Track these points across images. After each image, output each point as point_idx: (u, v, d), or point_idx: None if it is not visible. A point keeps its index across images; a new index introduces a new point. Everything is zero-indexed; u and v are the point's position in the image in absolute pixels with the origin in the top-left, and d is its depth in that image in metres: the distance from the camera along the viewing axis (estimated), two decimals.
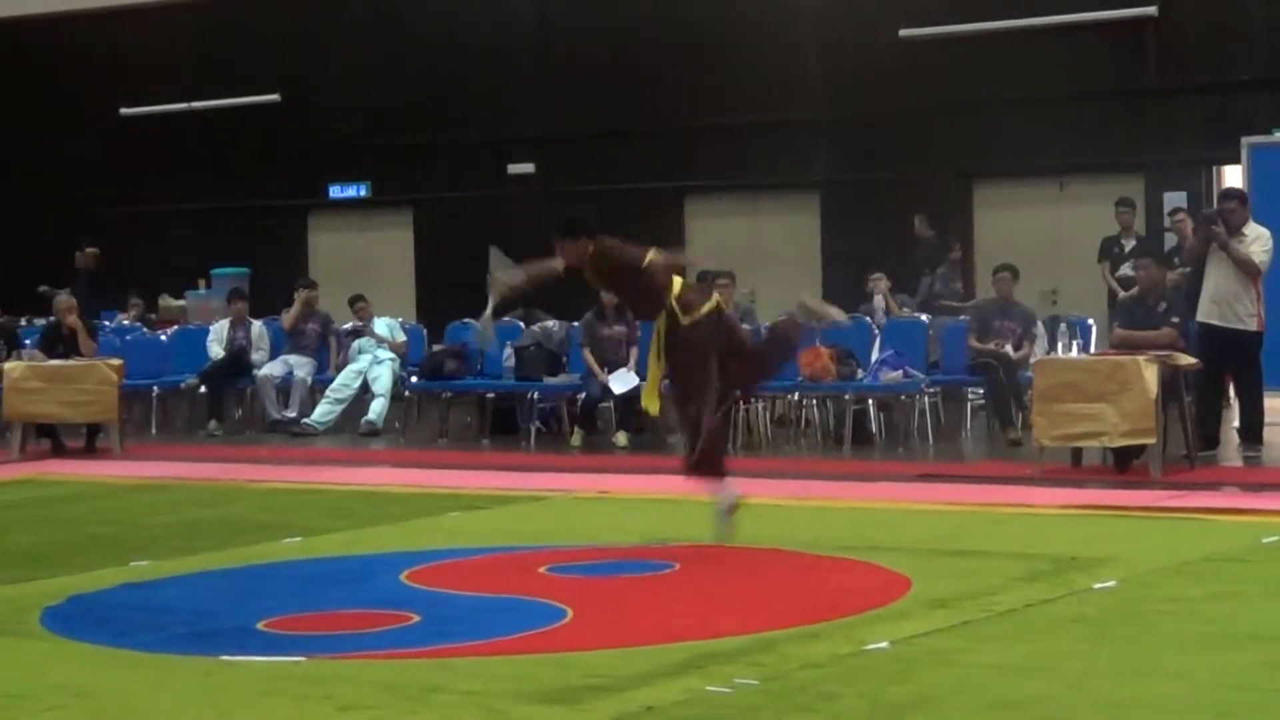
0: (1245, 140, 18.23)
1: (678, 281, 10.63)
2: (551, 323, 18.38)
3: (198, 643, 8.07)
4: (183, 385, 19.91)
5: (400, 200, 26.00)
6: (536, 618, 8.46)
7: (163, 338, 21.42)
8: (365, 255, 26.15)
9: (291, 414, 19.19)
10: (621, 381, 16.82)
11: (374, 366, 19.06)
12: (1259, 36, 20.59)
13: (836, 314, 11.48)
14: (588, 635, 8.12)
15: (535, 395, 17.68)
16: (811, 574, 9.76)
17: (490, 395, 18.26)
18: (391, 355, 19.22)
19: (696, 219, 23.87)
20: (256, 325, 20.11)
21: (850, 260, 21.08)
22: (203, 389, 19.69)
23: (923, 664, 7.26)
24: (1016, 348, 16.26)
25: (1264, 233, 14.58)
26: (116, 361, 17.88)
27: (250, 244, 25.97)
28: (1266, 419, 14.76)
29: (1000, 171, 22.15)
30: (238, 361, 19.63)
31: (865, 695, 6.75)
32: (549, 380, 17.65)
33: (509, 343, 18.20)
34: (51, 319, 18.92)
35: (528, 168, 24.72)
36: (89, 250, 24.85)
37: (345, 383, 19.08)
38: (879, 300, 19.01)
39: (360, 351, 19.28)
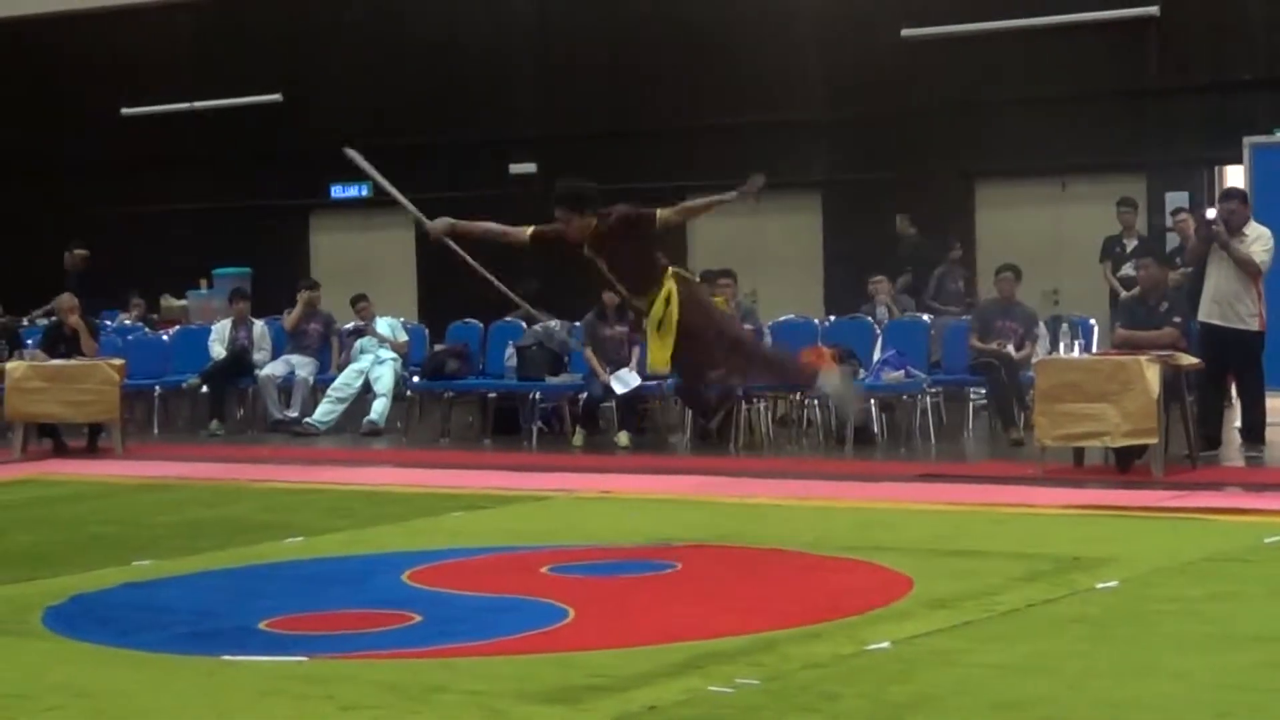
0: (1247, 140, 18.22)
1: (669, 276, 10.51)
2: (553, 323, 18.38)
3: (199, 642, 8.07)
4: (184, 385, 19.91)
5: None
6: (538, 618, 8.46)
7: (164, 338, 21.43)
8: (367, 255, 26.15)
9: (293, 414, 19.19)
10: (623, 381, 16.83)
11: (376, 366, 19.07)
12: (1260, 36, 20.58)
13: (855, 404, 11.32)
14: (589, 635, 8.12)
15: (537, 395, 17.68)
16: (813, 574, 9.76)
17: (492, 395, 18.27)
18: (393, 355, 19.22)
19: (699, 218, 23.84)
20: (258, 325, 20.12)
21: (852, 260, 21.07)
22: (204, 389, 19.69)
23: (924, 664, 7.26)
24: (1018, 348, 16.27)
25: (1265, 232, 14.57)
26: (118, 361, 17.88)
27: (252, 244, 25.97)
28: (1268, 419, 14.76)
29: (1002, 171, 22.15)
30: (239, 361, 19.63)
31: (867, 695, 6.75)
32: (551, 380, 17.65)
33: (511, 342, 18.21)
34: (53, 319, 18.92)
35: (529, 167, 24.71)
36: (78, 252, 24.88)
37: (347, 382, 19.08)
38: (881, 309, 18.94)
39: (362, 351, 19.28)
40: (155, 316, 24.08)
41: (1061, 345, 14.28)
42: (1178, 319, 14.32)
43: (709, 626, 8.12)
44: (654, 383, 17.03)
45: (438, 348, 19.20)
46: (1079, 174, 21.71)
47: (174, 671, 7.51)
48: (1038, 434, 13.81)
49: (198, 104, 26.98)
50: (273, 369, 19.47)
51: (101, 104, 27.59)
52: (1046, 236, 21.45)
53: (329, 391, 19.10)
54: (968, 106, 21.86)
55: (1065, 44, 21.41)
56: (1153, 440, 13.30)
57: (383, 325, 19.58)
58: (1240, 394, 15.14)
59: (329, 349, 19.83)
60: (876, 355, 16.76)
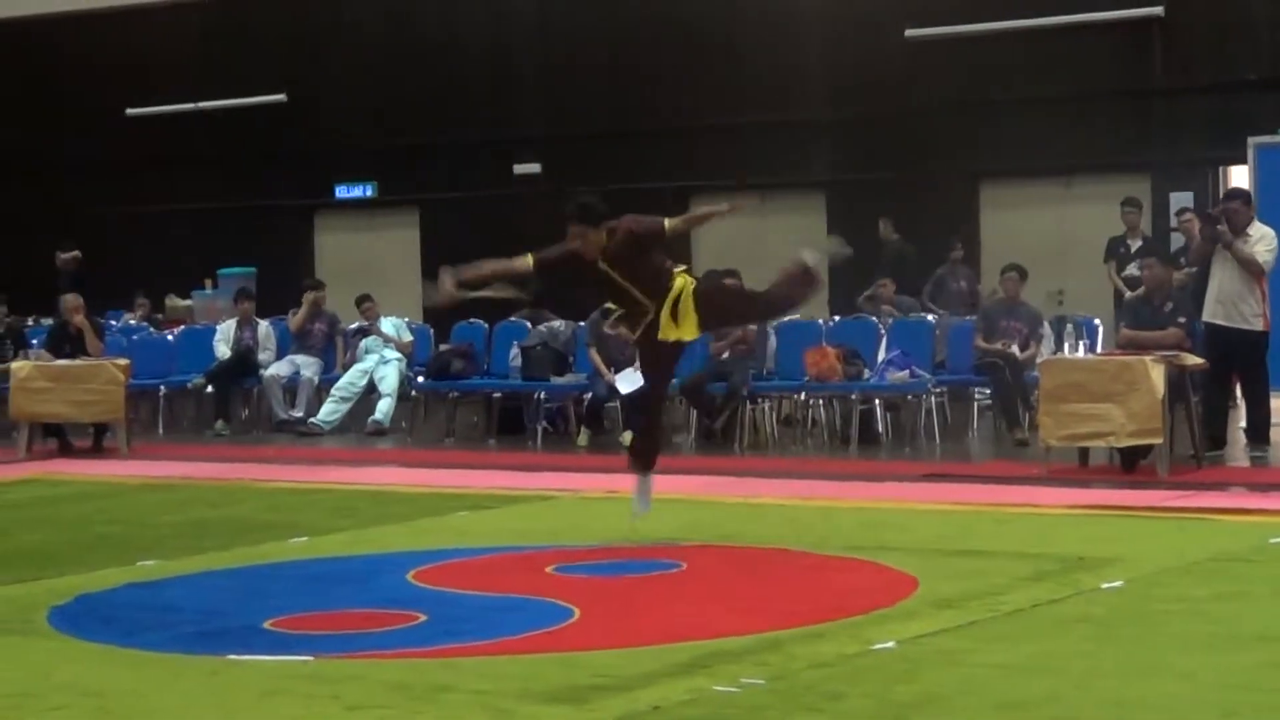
0: (1251, 140, 18.24)
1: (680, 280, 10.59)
2: (558, 322, 18.38)
3: (204, 642, 8.08)
4: (189, 385, 19.92)
5: (407, 200, 26.01)
6: (543, 617, 8.47)
7: (169, 337, 21.44)
8: (371, 255, 26.16)
9: (298, 414, 19.21)
10: (628, 381, 16.81)
11: (380, 366, 19.07)
12: (1265, 37, 20.57)
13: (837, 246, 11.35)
14: (594, 635, 8.13)
15: (542, 395, 17.68)
16: (818, 574, 9.76)
17: (497, 395, 18.27)
18: (398, 355, 19.23)
19: (699, 228, 23.84)
20: (263, 325, 20.13)
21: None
22: (209, 389, 19.69)
23: (929, 664, 7.26)
24: (1023, 348, 16.27)
25: (1269, 232, 14.56)
26: (123, 361, 17.90)
27: (257, 244, 25.98)
28: (1273, 419, 14.74)
29: (1006, 172, 22.13)
30: (244, 361, 19.64)
31: (872, 695, 6.75)
32: (555, 380, 17.65)
33: (516, 342, 18.21)
34: (59, 318, 18.94)
35: (534, 168, 24.72)
36: (72, 254, 24.92)
37: (351, 382, 19.09)
38: (885, 308, 18.94)
39: (367, 351, 19.29)
40: (160, 316, 24.09)
41: (1066, 345, 14.28)
42: (1182, 319, 14.30)
43: (714, 626, 8.12)
44: None
45: (442, 347, 19.20)
46: (1084, 174, 21.71)
47: (179, 671, 7.52)
48: (1042, 434, 13.81)
49: (203, 104, 27.00)
50: (278, 369, 19.47)
51: (107, 104, 27.60)
52: (1051, 237, 21.44)
53: (333, 391, 19.11)
54: (972, 107, 21.85)
55: (1070, 44, 21.40)
56: (1157, 440, 13.29)
57: (387, 325, 19.58)
58: (1245, 394, 15.12)
59: (334, 349, 19.84)
60: (881, 355, 16.75)
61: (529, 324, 18.60)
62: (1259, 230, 14.56)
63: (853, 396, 16.46)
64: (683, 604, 8.87)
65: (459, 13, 25.33)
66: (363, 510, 12.82)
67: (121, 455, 17.14)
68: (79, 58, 28.21)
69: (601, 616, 8.57)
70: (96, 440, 17.82)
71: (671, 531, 11.04)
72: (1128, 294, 16.63)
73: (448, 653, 7.73)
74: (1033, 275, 17.45)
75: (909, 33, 22.04)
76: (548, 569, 9.95)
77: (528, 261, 10.65)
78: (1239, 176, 19.52)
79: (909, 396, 16.64)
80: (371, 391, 19.02)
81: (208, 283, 25.33)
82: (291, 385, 19.46)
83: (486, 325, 19.07)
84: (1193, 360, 13.80)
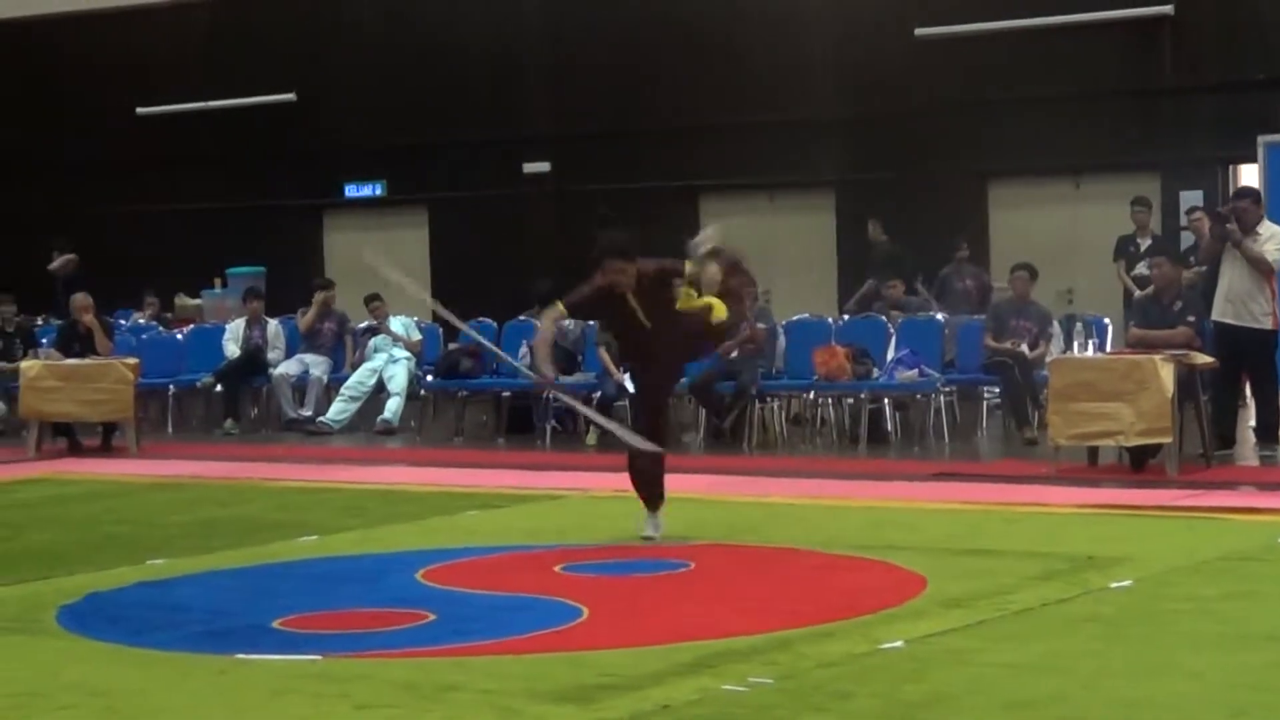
0: (1261, 139, 18.22)
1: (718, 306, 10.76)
2: (567, 321, 18.35)
3: (213, 641, 8.09)
4: (199, 384, 19.93)
5: (415, 199, 26.01)
6: (552, 617, 8.47)
7: (179, 337, 21.45)
8: (381, 254, 26.13)
9: (307, 413, 19.22)
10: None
11: (389, 365, 19.08)
12: (1273, 35, 20.53)
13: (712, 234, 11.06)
14: (603, 634, 8.13)
15: (550, 394, 17.66)
16: (826, 573, 9.76)
17: (506, 394, 18.28)
18: (407, 354, 19.24)
19: (711, 218, 23.78)
20: (272, 324, 20.14)
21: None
22: (218, 388, 19.72)
23: (938, 663, 7.26)
24: (1032, 347, 16.25)
25: (1278, 231, 14.55)
26: (132, 360, 17.92)
27: (265, 243, 25.98)
28: None
29: (1016, 171, 22.11)
30: (253, 360, 19.65)
31: (880, 694, 6.75)
32: (565, 379, 17.62)
33: (525, 341, 18.19)
34: (68, 318, 18.96)
35: (543, 167, 24.71)
36: (66, 257, 24.96)
37: (361, 381, 19.10)
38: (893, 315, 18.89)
39: (376, 350, 19.31)
40: (169, 315, 24.10)
41: (1076, 344, 14.26)
42: (1192, 318, 14.28)
43: (722, 625, 8.12)
44: None
45: (451, 346, 19.21)
46: (1093, 173, 21.68)
47: (188, 670, 7.52)
48: (1052, 433, 13.80)
49: (210, 104, 27.00)
50: (287, 368, 19.48)
51: (113, 104, 27.62)
52: (1060, 236, 21.42)
53: (343, 390, 19.12)
54: (980, 106, 21.83)
55: (1079, 43, 21.37)
56: (1167, 439, 13.27)
57: (396, 324, 19.59)
58: (1255, 393, 15.12)
59: (343, 348, 19.85)
60: (890, 354, 16.75)
61: (537, 323, 18.57)
62: (1268, 229, 14.55)
63: (862, 396, 16.46)
64: (691, 603, 8.87)
65: (466, 12, 25.32)
66: (372, 509, 12.83)
67: (130, 454, 17.15)
68: (84, 58, 28.22)
69: (610, 616, 8.58)
70: (105, 439, 17.84)
71: (680, 530, 11.04)
72: (1137, 293, 16.60)
73: (456, 652, 7.73)
74: (1042, 274, 17.43)
75: (917, 32, 22.03)
76: (556, 568, 9.95)
77: (560, 310, 10.70)
78: (1249, 175, 19.51)
79: (918, 395, 16.63)
80: (380, 390, 19.03)
81: (217, 282, 25.34)
82: (300, 384, 19.47)
83: (495, 324, 19.07)
84: (1202, 359, 13.79)
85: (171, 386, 20.00)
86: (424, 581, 9.65)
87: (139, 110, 27.47)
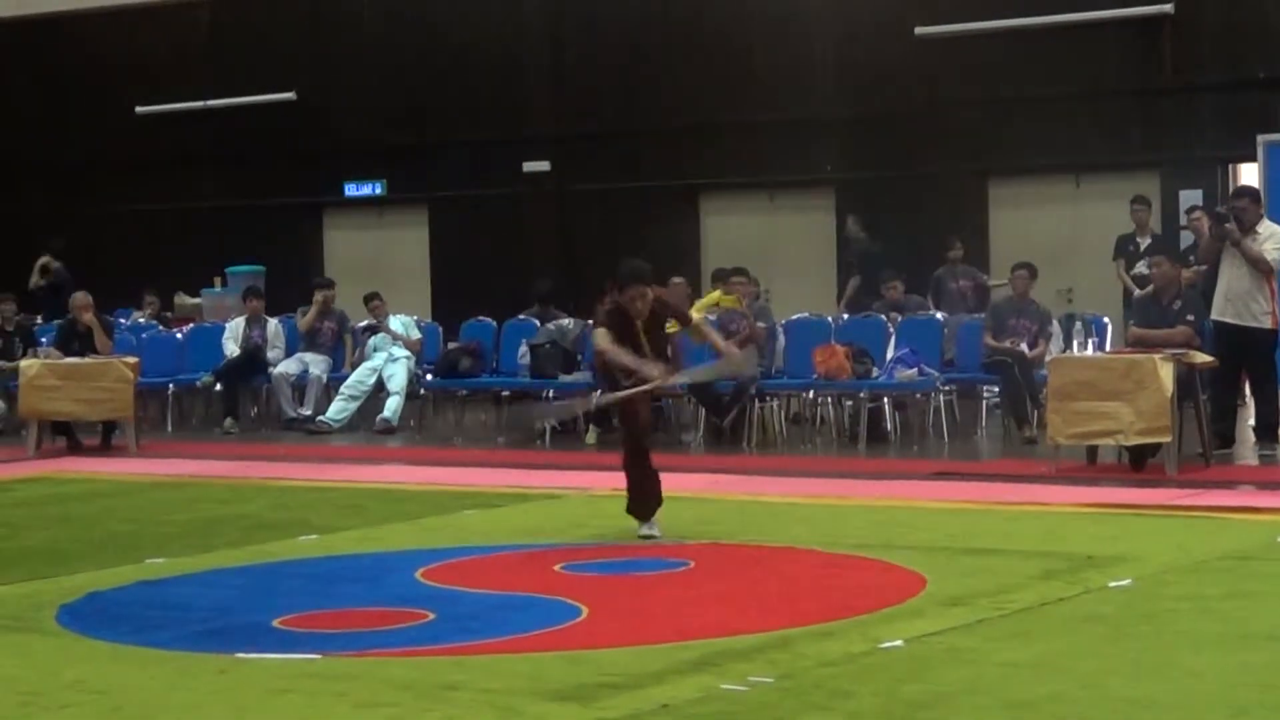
0: (1261, 138, 18.21)
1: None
2: (567, 321, 18.39)
3: (213, 640, 8.09)
4: (198, 383, 19.92)
5: (416, 198, 25.99)
6: (552, 616, 8.47)
7: (178, 335, 21.44)
8: (380, 253, 26.16)
9: (307, 411, 19.22)
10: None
11: (389, 364, 19.08)
12: (1274, 34, 20.52)
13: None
14: (603, 633, 8.13)
15: (550, 393, 17.68)
16: (826, 572, 9.76)
17: (505, 393, 18.28)
18: (407, 353, 19.24)
19: (712, 216, 23.86)
20: (272, 323, 20.14)
21: (865, 258, 21.02)
22: (218, 386, 19.71)
23: (938, 662, 7.26)
24: (1032, 346, 16.25)
25: (1277, 230, 14.55)
26: (132, 359, 17.92)
27: (265, 242, 25.97)
28: None
29: (1016, 169, 22.10)
30: (253, 359, 19.65)
31: (880, 693, 6.75)
32: (564, 378, 17.65)
33: (524, 340, 18.22)
34: (68, 316, 18.96)
35: (543, 166, 24.71)
36: (44, 262, 25.01)
37: (360, 380, 19.10)
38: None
39: (375, 349, 19.30)
40: (169, 314, 24.09)
41: (1075, 343, 14.26)
42: (1191, 317, 14.29)
43: (722, 624, 8.13)
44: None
45: (451, 346, 19.21)
46: (1093, 172, 21.67)
47: (188, 669, 7.52)
48: (1051, 432, 13.80)
49: (210, 103, 26.99)
50: (286, 367, 19.48)
51: (115, 102, 27.61)
52: (1061, 234, 21.41)
53: (342, 389, 19.12)
54: (981, 104, 21.82)
55: (1080, 42, 21.36)
56: (1166, 439, 13.28)
57: (396, 323, 19.59)
58: (1254, 392, 15.12)
59: (342, 347, 19.86)
60: (890, 353, 16.74)
61: (537, 322, 18.60)
62: (1268, 228, 14.55)
63: (861, 395, 16.46)
64: (691, 602, 8.87)
65: (466, 12, 25.31)
66: (371, 508, 12.83)
67: (130, 453, 17.16)
68: (86, 56, 28.21)
69: (610, 615, 8.58)
70: (105, 438, 17.84)
71: (680, 530, 11.04)
72: (1137, 292, 16.61)
73: (456, 651, 7.74)
74: (1042, 273, 17.44)
75: (919, 30, 22.01)
76: (556, 567, 9.95)
77: (607, 339, 10.92)
78: (1249, 174, 19.51)
79: (917, 395, 16.64)
80: (380, 389, 19.03)
81: (217, 281, 25.34)
82: (300, 383, 19.47)
83: (495, 323, 19.09)
84: (1202, 358, 13.79)
85: (171, 385, 20.00)
86: (424, 580, 9.65)
87: (139, 109, 27.46)
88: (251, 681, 7.24)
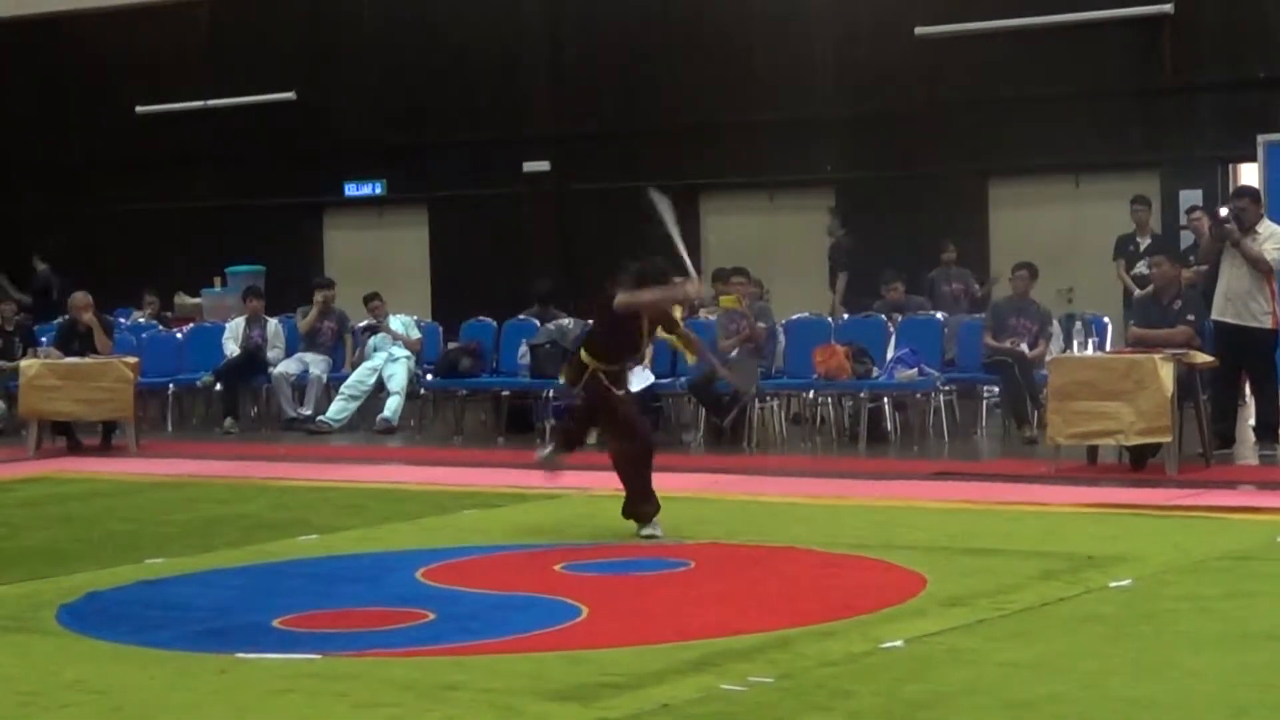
0: (1261, 138, 18.21)
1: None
2: (567, 320, 18.37)
3: (213, 640, 8.09)
4: (198, 383, 19.92)
5: (416, 198, 25.99)
6: (552, 615, 8.47)
7: (178, 335, 21.44)
8: (380, 253, 26.16)
9: (307, 411, 19.22)
10: (637, 379, 16.80)
11: (389, 364, 19.08)
12: (1274, 34, 20.52)
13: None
14: (603, 633, 8.13)
15: (550, 393, 17.66)
16: (826, 572, 9.76)
17: (505, 393, 18.27)
18: (407, 353, 19.23)
19: (712, 216, 23.85)
20: (272, 323, 20.14)
21: (865, 257, 21.02)
22: (218, 386, 19.70)
23: (938, 662, 7.26)
24: (1032, 346, 16.25)
25: (1277, 230, 14.55)
26: (132, 359, 17.92)
27: (265, 242, 25.96)
28: None
29: (1015, 169, 22.09)
30: (253, 359, 19.65)
31: (880, 693, 6.75)
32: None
33: (524, 340, 18.20)
34: (68, 316, 18.96)
35: (543, 165, 24.70)
36: (41, 266, 25.05)
37: (360, 380, 19.10)
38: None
39: (375, 349, 19.30)
40: (169, 314, 24.09)
41: (1075, 343, 14.26)
42: (1191, 317, 14.29)
43: (722, 624, 8.12)
44: (668, 380, 17.04)
45: (451, 345, 19.20)
46: (1093, 172, 21.66)
47: (188, 669, 7.52)
48: (1051, 432, 13.80)
49: (210, 102, 26.99)
50: (286, 367, 19.48)
51: (115, 102, 27.61)
52: (1061, 234, 21.40)
53: (342, 389, 19.12)
54: (981, 104, 21.82)
55: (1080, 42, 21.36)
56: (1167, 438, 13.27)
57: (396, 323, 19.58)
58: (1254, 392, 15.12)
59: (342, 347, 19.85)
60: (890, 353, 16.74)
61: (537, 322, 18.60)
62: (1268, 228, 14.55)
63: (861, 395, 16.46)
64: (691, 602, 8.87)
65: (466, 12, 25.31)
66: (371, 508, 12.83)
67: (130, 453, 17.15)
68: (87, 56, 28.21)
69: (610, 615, 8.58)
70: (105, 438, 17.84)
71: (680, 530, 11.04)
72: (1137, 292, 16.61)
73: (456, 651, 7.73)
74: (1042, 273, 17.43)
75: (919, 30, 22.02)
76: (556, 567, 9.95)
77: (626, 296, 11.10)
78: (1249, 174, 19.50)
79: (917, 394, 16.63)
80: (380, 389, 19.03)
81: (217, 280, 25.33)
82: (300, 383, 19.47)
83: (495, 323, 19.08)
84: (1202, 358, 13.79)
85: (171, 385, 20.00)
86: (424, 580, 9.65)
87: (139, 109, 27.46)
88: (251, 681, 7.24)
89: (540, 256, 23.70)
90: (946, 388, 16.79)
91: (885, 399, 16.57)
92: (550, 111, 24.75)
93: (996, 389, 16.89)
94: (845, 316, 18.56)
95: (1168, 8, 20.81)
